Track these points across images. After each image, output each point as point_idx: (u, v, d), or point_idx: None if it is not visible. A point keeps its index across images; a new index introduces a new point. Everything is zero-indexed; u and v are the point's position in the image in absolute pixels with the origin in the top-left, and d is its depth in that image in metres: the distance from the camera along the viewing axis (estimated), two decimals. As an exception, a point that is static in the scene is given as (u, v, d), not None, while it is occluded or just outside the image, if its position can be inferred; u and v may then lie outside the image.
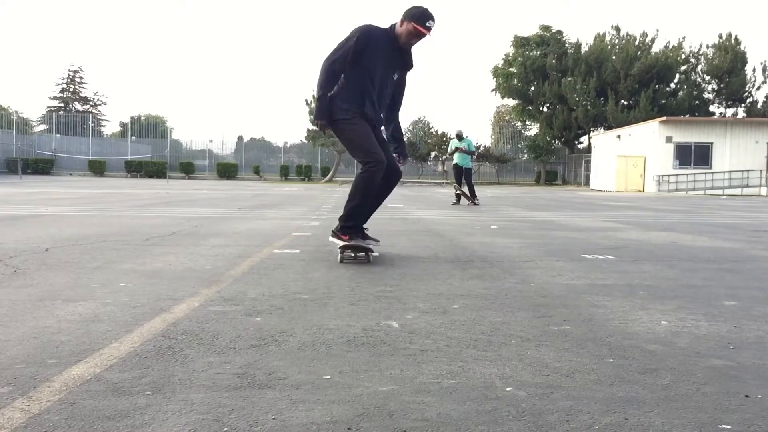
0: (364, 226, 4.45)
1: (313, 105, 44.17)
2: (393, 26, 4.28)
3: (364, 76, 4.20)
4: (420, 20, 4.15)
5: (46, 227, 6.36)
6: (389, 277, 3.66)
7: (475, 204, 13.37)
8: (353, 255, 4.27)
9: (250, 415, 1.54)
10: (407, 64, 4.47)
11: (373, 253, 4.32)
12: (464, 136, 14.20)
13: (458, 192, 13.81)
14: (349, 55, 4.13)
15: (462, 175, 13.80)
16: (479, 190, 13.63)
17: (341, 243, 4.23)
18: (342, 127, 4.28)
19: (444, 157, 48.04)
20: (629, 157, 34.13)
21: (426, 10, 4.20)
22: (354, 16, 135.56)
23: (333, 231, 4.39)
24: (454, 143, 14.04)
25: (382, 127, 4.43)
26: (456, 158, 13.89)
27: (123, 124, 65.62)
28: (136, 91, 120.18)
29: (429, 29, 4.17)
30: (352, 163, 52.00)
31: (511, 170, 51.83)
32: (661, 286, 3.52)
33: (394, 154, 4.50)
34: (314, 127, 44.89)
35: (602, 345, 2.24)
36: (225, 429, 1.46)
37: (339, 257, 4.25)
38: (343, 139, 4.34)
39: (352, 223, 4.30)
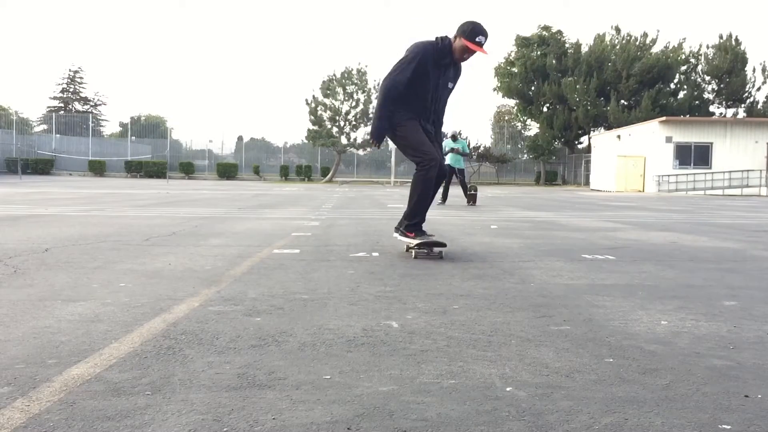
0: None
1: (312, 105, 44.33)
2: (444, 39, 4.37)
3: (421, 95, 4.42)
4: (470, 36, 4.28)
5: (46, 227, 6.36)
6: (389, 277, 3.66)
7: (468, 204, 13.44)
8: (427, 252, 4.48)
9: (250, 415, 1.54)
10: (458, 75, 4.64)
11: (444, 248, 4.55)
12: (459, 137, 14.25)
13: (443, 195, 13.75)
14: (409, 75, 4.31)
15: (451, 176, 13.87)
16: (479, 190, 13.62)
17: (413, 242, 4.48)
18: (397, 134, 4.50)
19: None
20: (629, 157, 34.13)
21: (477, 25, 4.32)
22: (354, 15, 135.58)
23: (399, 230, 4.66)
24: (448, 143, 14.01)
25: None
26: (448, 159, 13.86)
27: (123, 125, 65.54)
28: (136, 91, 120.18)
29: (480, 45, 4.28)
30: (352, 163, 52.04)
31: (511, 170, 51.83)
32: (661, 286, 3.51)
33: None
34: (315, 127, 45.23)
35: (602, 345, 2.24)
36: (225, 429, 1.46)
37: (413, 254, 4.47)
38: (400, 144, 4.52)
39: (417, 219, 4.57)
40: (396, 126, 4.45)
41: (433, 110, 4.55)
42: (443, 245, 4.48)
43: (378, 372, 1.90)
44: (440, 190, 13.69)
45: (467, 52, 4.33)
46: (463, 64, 4.57)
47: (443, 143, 14.54)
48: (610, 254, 4.93)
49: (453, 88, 4.62)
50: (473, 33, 4.26)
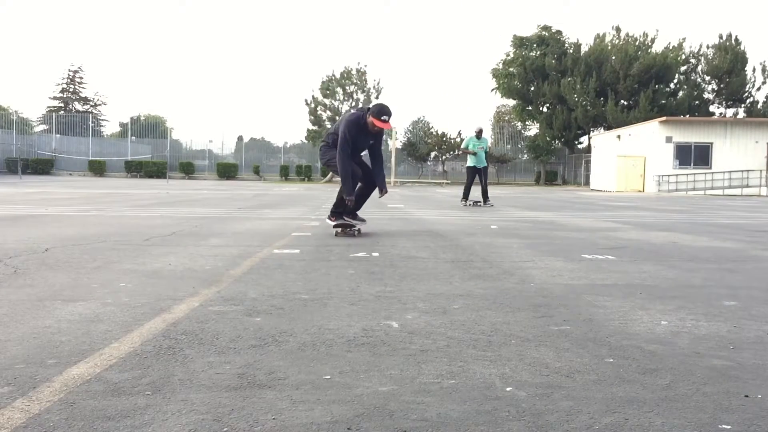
0: (358, 213, 6.39)
1: (312, 105, 44.50)
2: (362, 116, 6.04)
3: (353, 146, 6.19)
4: (377, 115, 5.90)
5: (46, 227, 6.36)
6: (389, 277, 3.66)
7: (483, 205, 12.96)
8: (342, 231, 6.16)
9: (250, 415, 1.54)
10: (378, 137, 6.28)
11: (357, 228, 6.19)
12: (482, 135, 13.38)
13: (478, 201, 13.05)
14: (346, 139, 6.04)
15: (474, 178, 13.19)
16: (478, 189, 13.50)
17: (332, 223, 6.21)
18: (334, 166, 6.29)
19: (444, 157, 48.02)
20: (629, 157, 34.12)
21: (383, 107, 6.00)
22: (353, 15, 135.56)
23: (328, 218, 6.41)
24: (471, 140, 13.12)
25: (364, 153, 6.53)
26: (475, 160, 13.29)
27: (123, 124, 65.45)
28: (136, 91, 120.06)
29: (385, 122, 5.95)
30: (352, 163, 51.89)
31: (511, 170, 51.81)
32: (661, 286, 3.52)
33: (378, 188, 6.36)
34: (314, 127, 45.29)
35: (602, 345, 2.24)
36: (225, 429, 1.46)
37: (335, 233, 6.17)
38: (335, 169, 6.31)
39: (337, 212, 6.24)
40: (332, 162, 6.23)
41: (359, 152, 6.39)
42: (352, 225, 6.19)
43: (378, 372, 1.90)
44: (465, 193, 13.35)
45: (376, 127, 5.96)
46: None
47: (468, 141, 13.95)
48: (610, 254, 4.93)
49: (374, 142, 6.31)
50: (380, 113, 5.90)
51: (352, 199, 6.06)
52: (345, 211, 6.21)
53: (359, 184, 6.37)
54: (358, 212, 6.36)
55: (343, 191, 6.12)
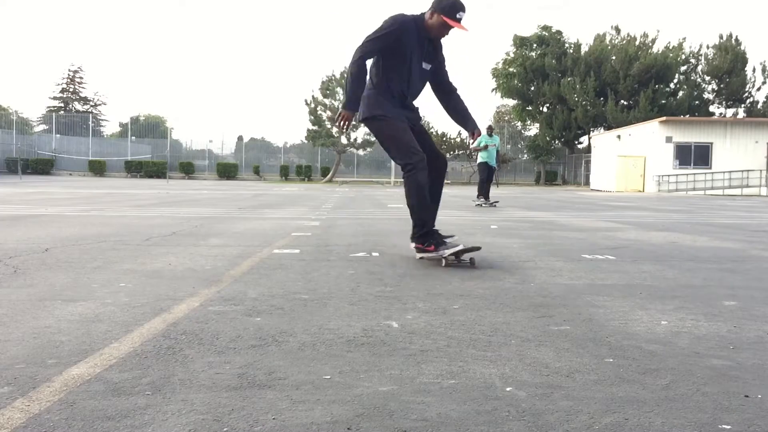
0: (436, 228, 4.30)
1: (312, 105, 44.34)
2: (423, 15, 4.09)
3: (401, 69, 4.08)
4: (449, 13, 3.97)
5: (46, 227, 6.36)
6: (389, 277, 3.65)
7: (484, 205, 12.90)
8: (457, 260, 4.12)
9: (250, 415, 1.54)
10: (438, 56, 4.28)
11: (478, 250, 4.16)
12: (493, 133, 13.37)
13: (491, 201, 12.92)
14: (384, 46, 4.00)
15: (487, 174, 13.08)
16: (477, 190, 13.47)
17: (445, 252, 4.06)
18: (378, 126, 4.19)
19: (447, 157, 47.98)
20: (629, 157, 34.14)
21: (457, 0, 3.99)
22: (354, 15, 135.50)
23: (415, 246, 4.28)
24: (484, 138, 12.97)
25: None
26: (486, 156, 13.14)
27: (123, 124, 65.45)
28: (136, 91, 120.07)
29: (459, 21, 3.99)
30: (352, 163, 52.00)
31: (511, 170, 51.82)
32: (661, 286, 3.51)
33: (467, 132, 4.42)
34: (314, 127, 45.18)
35: (602, 345, 2.24)
36: (225, 429, 1.46)
37: (443, 263, 4.06)
38: (381, 138, 4.27)
39: (426, 228, 4.21)
40: (381, 118, 4.14)
41: (413, 88, 4.21)
42: (477, 249, 4.11)
43: (378, 372, 1.89)
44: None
45: (446, 29, 4.04)
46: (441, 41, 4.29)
47: (480, 139, 13.61)
48: (610, 254, 4.93)
49: (433, 67, 4.25)
50: (453, 9, 3.97)
51: (347, 113, 4.02)
52: (432, 225, 4.29)
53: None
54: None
55: (410, 183, 4.15)
